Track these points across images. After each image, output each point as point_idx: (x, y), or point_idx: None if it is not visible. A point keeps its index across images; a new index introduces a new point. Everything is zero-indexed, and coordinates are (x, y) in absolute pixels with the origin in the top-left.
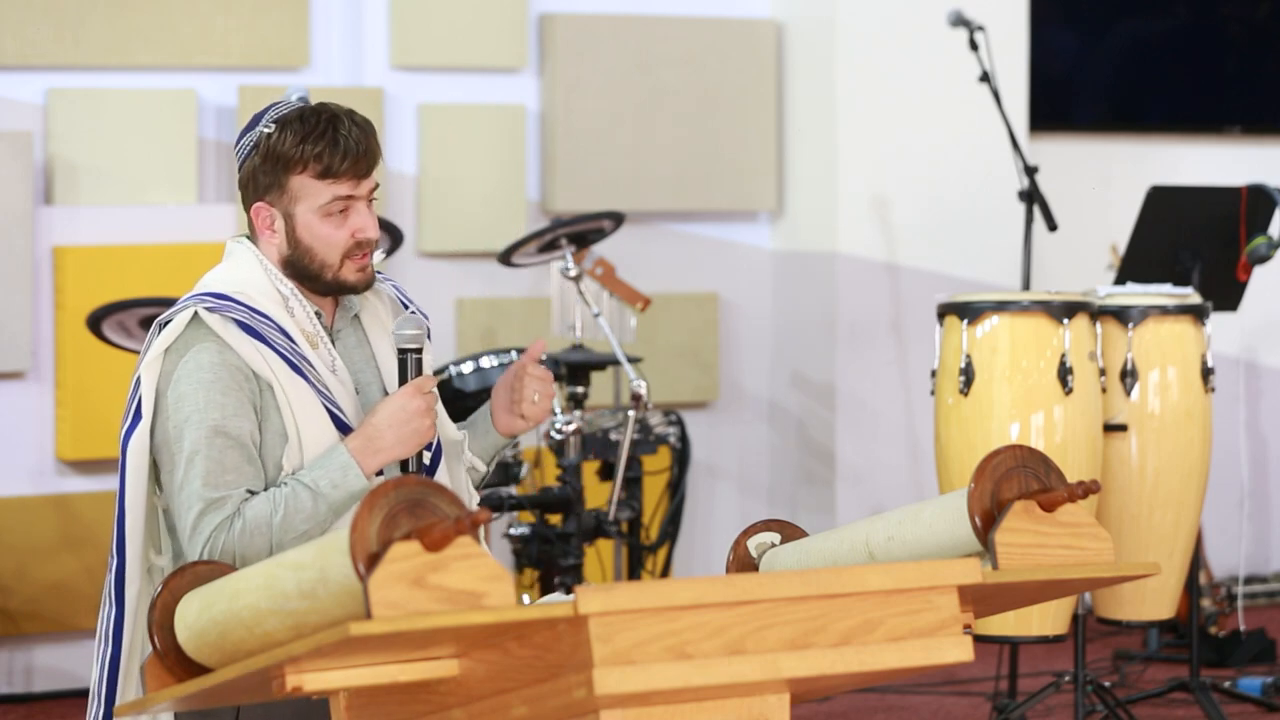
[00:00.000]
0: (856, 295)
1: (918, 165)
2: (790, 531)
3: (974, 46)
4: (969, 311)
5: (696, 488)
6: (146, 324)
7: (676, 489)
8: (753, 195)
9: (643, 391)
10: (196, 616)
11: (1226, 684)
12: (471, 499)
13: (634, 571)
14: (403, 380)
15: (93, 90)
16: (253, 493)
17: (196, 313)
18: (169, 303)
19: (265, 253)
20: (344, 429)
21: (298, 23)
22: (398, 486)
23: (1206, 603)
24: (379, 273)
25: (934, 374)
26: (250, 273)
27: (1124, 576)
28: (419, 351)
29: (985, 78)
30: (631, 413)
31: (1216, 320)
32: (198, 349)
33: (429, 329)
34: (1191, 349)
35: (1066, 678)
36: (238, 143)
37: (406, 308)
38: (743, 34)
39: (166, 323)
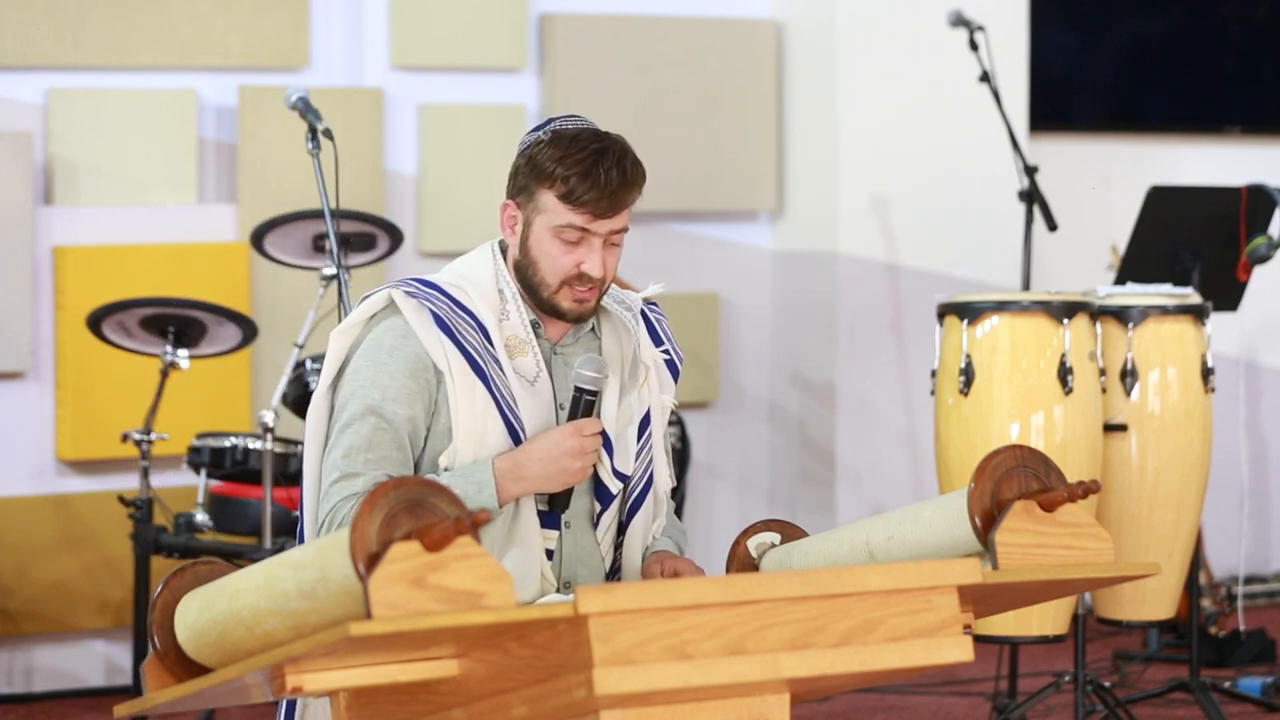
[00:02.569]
0: (856, 295)
1: (918, 165)
2: (790, 531)
3: (974, 46)
4: (969, 311)
5: (696, 488)
6: (146, 324)
7: (676, 489)
8: (753, 195)
9: None
10: (196, 616)
11: (1226, 684)
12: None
13: None
14: (572, 417)
15: (93, 90)
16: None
17: (393, 294)
18: (169, 303)
19: (504, 255)
20: (519, 442)
21: (298, 23)
22: (397, 486)
23: (1206, 603)
24: (652, 304)
25: (934, 374)
26: (479, 268)
27: (1124, 576)
28: (594, 394)
29: (985, 78)
30: None
31: (1216, 320)
32: (383, 328)
33: (679, 368)
34: (1191, 349)
35: (1066, 678)
36: (524, 136)
37: (658, 344)
38: (743, 34)
39: (368, 297)
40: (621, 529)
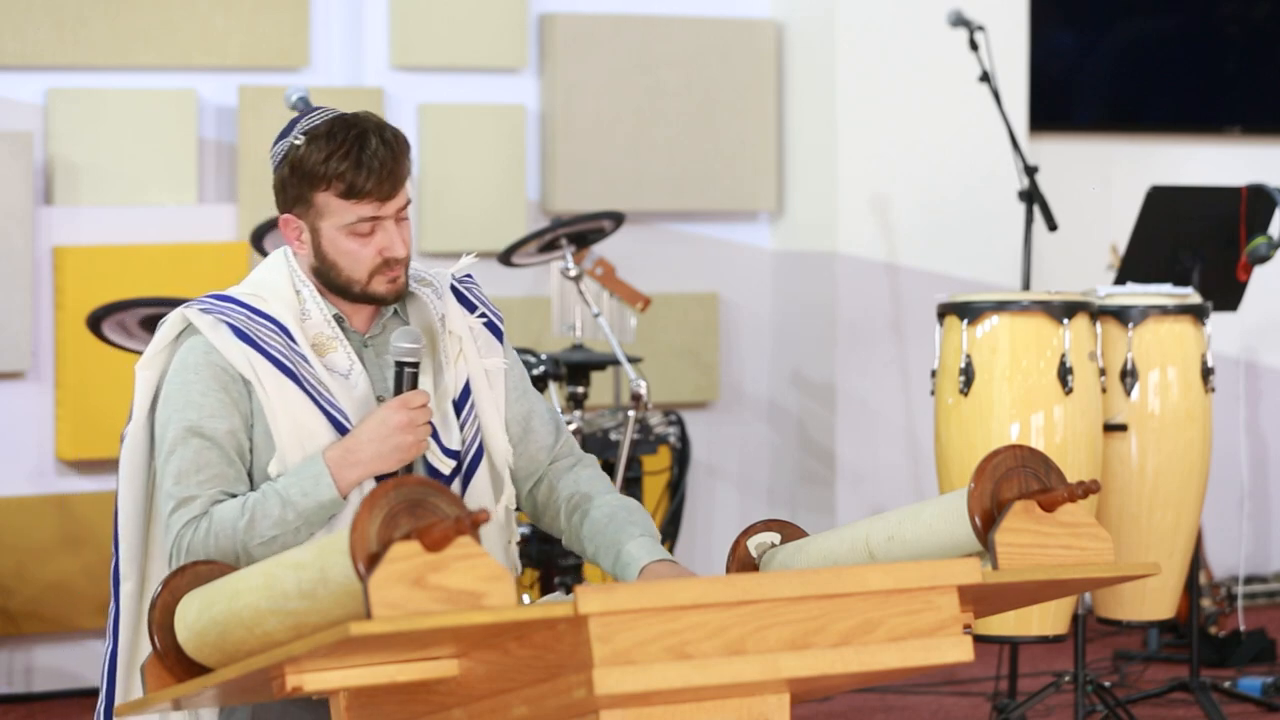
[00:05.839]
0: (856, 295)
1: (918, 165)
2: (790, 531)
3: (974, 46)
4: (969, 311)
5: (696, 488)
6: (146, 324)
7: (676, 489)
8: (753, 195)
9: (643, 391)
10: (196, 616)
11: (1226, 684)
12: (510, 517)
13: None
14: (397, 392)
15: (93, 90)
16: (231, 495)
17: (187, 314)
18: (169, 303)
19: (298, 261)
20: (345, 433)
21: (298, 23)
22: (398, 486)
23: (1206, 603)
24: (468, 276)
25: (934, 374)
26: (272, 275)
27: (1124, 576)
28: (415, 365)
29: (985, 78)
30: (631, 413)
31: (1216, 320)
32: (186, 348)
33: (501, 328)
34: (1191, 349)
35: (1066, 678)
36: (273, 147)
37: (473, 310)
38: (743, 34)
39: (165, 322)
40: None
